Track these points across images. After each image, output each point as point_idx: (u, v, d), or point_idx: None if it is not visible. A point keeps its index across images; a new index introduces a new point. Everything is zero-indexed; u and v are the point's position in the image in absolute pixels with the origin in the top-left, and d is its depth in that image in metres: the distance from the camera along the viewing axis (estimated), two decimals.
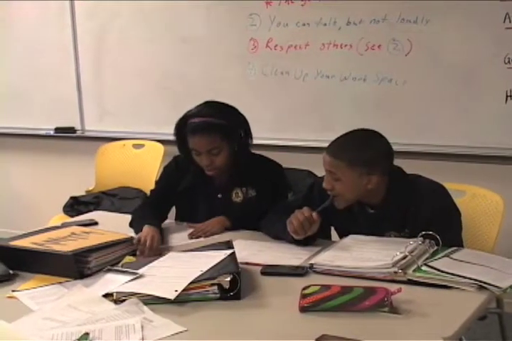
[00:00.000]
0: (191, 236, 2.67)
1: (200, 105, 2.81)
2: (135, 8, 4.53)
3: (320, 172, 2.95)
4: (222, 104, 2.83)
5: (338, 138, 2.41)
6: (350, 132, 2.41)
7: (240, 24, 4.14)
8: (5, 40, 5.15)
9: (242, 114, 2.85)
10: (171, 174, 2.95)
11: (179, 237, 2.67)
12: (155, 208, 2.84)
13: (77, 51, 4.81)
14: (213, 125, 2.68)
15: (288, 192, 2.92)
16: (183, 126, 2.77)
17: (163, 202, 2.91)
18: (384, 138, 2.40)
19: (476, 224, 2.71)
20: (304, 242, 2.41)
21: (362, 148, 2.35)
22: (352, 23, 3.81)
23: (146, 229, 2.53)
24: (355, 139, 2.39)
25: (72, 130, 4.95)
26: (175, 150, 3.12)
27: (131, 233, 2.49)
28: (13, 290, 2.06)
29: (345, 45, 3.85)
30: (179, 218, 2.94)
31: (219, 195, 2.86)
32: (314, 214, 2.33)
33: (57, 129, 5.00)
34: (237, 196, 2.84)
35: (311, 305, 1.81)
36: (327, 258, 2.18)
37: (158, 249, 2.42)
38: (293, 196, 3.00)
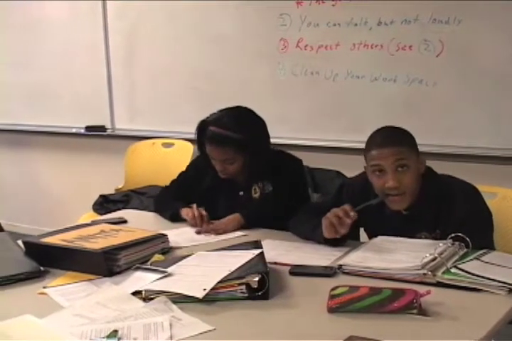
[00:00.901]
0: (201, 231, 2.71)
1: (223, 111, 2.83)
2: (165, 8, 4.55)
3: (348, 172, 2.95)
4: (244, 113, 2.83)
5: (379, 134, 2.40)
6: (380, 128, 2.43)
7: (270, 24, 4.14)
8: (38, 39, 5.21)
9: (262, 124, 2.84)
10: (192, 171, 2.98)
11: (204, 236, 2.69)
12: (176, 199, 2.94)
13: (108, 50, 4.85)
14: (229, 138, 2.70)
15: (307, 189, 2.91)
16: (202, 130, 2.79)
17: (182, 194, 2.95)
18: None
19: (507, 227, 2.68)
20: (334, 243, 2.40)
21: (406, 132, 2.39)
22: (383, 24, 3.79)
23: (187, 209, 2.76)
24: (395, 129, 2.41)
25: (102, 128, 4.99)
26: None
27: (160, 231, 2.50)
28: (44, 287, 2.07)
29: (376, 46, 3.83)
30: None
31: (240, 193, 2.88)
32: (352, 214, 2.31)
33: (88, 128, 5.05)
34: (255, 192, 2.85)
35: (339, 306, 1.80)
36: (356, 259, 2.18)
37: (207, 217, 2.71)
38: (321, 196, 3.00)
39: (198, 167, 2.97)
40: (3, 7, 5.32)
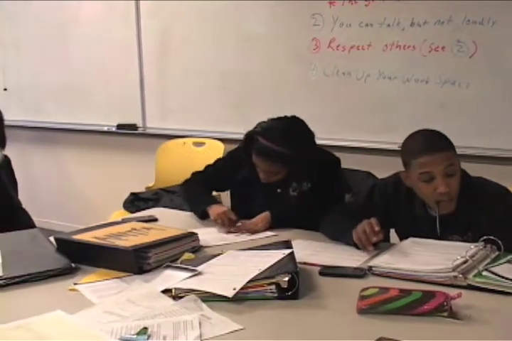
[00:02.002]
0: (231, 230, 2.72)
1: (273, 121, 2.78)
2: (197, 8, 4.57)
3: (378, 173, 2.94)
4: (294, 126, 2.78)
5: (423, 140, 2.36)
6: (419, 132, 2.41)
7: (302, 24, 4.14)
8: (72, 39, 5.26)
9: (311, 138, 2.81)
10: (231, 161, 2.98)
11: (233, 235, 2.70)
12: (205, 187, 3.00)
13: (141, 50, 4.89)
14: (277, 154, 2.67)
15: (344, 189, 2.90)
16: (251, 138, 2.77)
17: (213, 183, 2.98)
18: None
19: None
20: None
21: (445, 136, 2.35)
22: (416, 24, 3.77)
23: (216, 206, 2.78)
24: (435, 132, 2.38)
25: (133, 127, 5.02)
26: None
27: (190, 229, 2.51)
28: (75, 283, 2.09)
29: (409, 46, 3.82)
30: (234, 209, 2.93)
31: (278, 190, 2.87)
32: (378, 229, 2.30)
33: (120, 126, 5.08)
34: (294, 189, 2.84)
35: (369, 308, 1.80)
36: (386, 260, 2.17)
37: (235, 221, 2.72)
38: (352, 197, 2.99)
39: (238, 157, 2.95)
40: (38, 7, 5.38)
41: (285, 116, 2.83)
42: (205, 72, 4.62)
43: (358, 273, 2.12)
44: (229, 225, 2.73)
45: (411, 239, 2.38)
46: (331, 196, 2.78)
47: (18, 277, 2.10)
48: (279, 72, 4.30)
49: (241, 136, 4.28)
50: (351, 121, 4.08)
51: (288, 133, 2.71)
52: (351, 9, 3.96)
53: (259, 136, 2.71)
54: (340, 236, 2.46)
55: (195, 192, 2.99)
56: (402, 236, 2.52)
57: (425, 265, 2.07)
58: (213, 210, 2.81)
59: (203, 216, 2.87)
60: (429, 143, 2.33)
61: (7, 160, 4.24)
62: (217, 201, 2.93)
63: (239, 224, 2.76)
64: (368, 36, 3.92)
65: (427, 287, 1.94)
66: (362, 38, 3.95)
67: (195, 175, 3.09)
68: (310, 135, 2.80)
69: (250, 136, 2.77)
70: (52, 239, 2.41)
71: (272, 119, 2.81)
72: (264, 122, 2.81)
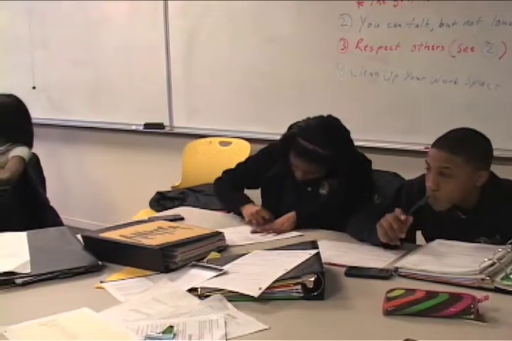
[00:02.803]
0: (257, 230, 2.72)
1: (312, 121, 2.77)
2: (225, 7, 4.57)
3: (405, 174, 2.93)
4: (333, 126, 2.76)
5: (448, 135, 2.37)
6: (456, 129, 2.39)
7: (330, 24, 4.13)
8: (100, 38, 5.29)
9: (348, 137, 2.80)
10: (263, 158, 2.97)
11: (259, 235, 2.70)
12: (237, 185, 2.99)
13: (168, 49, 4.90)
14: (316, 155, 2.65)
15: (373, 189, 2.89)
16: (289, 138, 2.75)
17: (246, 180, 2.97)
18: (485, 136, 2.39)
19: None
20: (390, 246, 2.38)
21: (476, 142, 2.34)
22: (445, 25, 3.74)
23: (249, 206, 2.80)
24: (467, 134, 2.37)
25: (161, 126, 5.04)
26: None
27: (216, 228, 2.52)
28: (101, 281, 2.10)
29: (437, 47, 3.79)
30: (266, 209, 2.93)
31: (309, 189, 2.86)
32: (409, 217, 2.30)
33: (147, 125, 5.11)
34: (324, 188, 2.83)
35: (395, 309, 1.79)
36: (412, 262, 2.16)
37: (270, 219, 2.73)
38: (379, 198, 2.97)
39: (270, 155, 2.94)
40: (68, 6, 5.42)
41: (321, 116, 2.81)
42: (232, 71, 4.63)
43: (384, 275, 2.11)
44: (264, 224, 2.75)
45: (438, 241, 2.36)
46: (361, 196, 2.77)
47: (45, 274, 2.12)
48: (306, 72, 4.30)
49: (267, 136, 4.34)
50: (378, 121, 4.06)
51: (327, 134, 2.69)
52: (380, 9, 3.94)
53: (298, 137, 2.69)
54: (367, 236, 2.46)
55: (227, 191, 3.00)
56: (429, 238, 2.50)
57: (452, 267, 2.06)
58: (247, 210, 2.83)
59: (237, 212, 2.92)
60: (444, 138, 2.35)
61: (35, 158, 4.28)
62: (249, 200, 2.92)
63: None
64: (396, 36, 3.90)
65: (454, 289, 1.93)
66: (390, 39, 3.93)
67: (227, 172, 3.09)
68: (347, 134, 2.79)
69: (289, 136, 2.75)
70: (79, 236, 2.42)
71: (309, 119, 2.79)
72: (300, 122, 2.79)
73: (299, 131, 2.72)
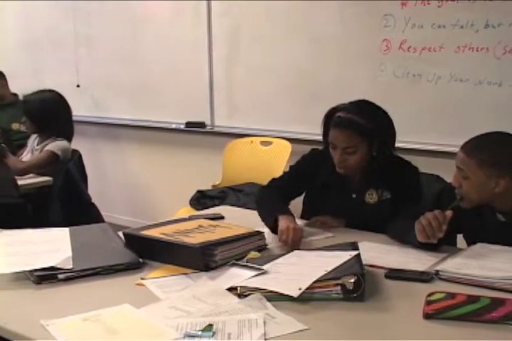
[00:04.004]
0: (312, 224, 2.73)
1: (354, 102, 2.78)
2: (269, 7, 4.58)
3: (448, 177, 2.89)
4: (376, 106, 2.77)
5: (475, 137, 2.37)
6: (489, 133, 2.38)
7: (373, 24, 4.10)
8: (143, 36, 5.34)
9: (390, 119, 2.79)
10: (307, 164, 2.93)
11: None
12: (283, 194, 2.85)
13: (211, 49, 4.92)
14: (356, 124, 2.64)
15: (421, 197, 2.85)
16: (329, 117, 2.75)
17: (293, 188, 2.90)
18: None
19: None
20: (430, 247, 2.36)
21: (496, 149, 2.31)
22: (490, 26, 3.69)
23: (285, 220, 2.52)
24: (492, 140, 2.35)
25: (202, 125, 5.06)
26: (302, 149, 3.14)
27: (256, 228, 2.52)
28: (142, 278, 2.12)
29: (482, 49, 3.74)
30: (307, 213, 2.92)
31: (353, 195, 2.82)
32: (448, 212, 2.28)
33: (188, 124, 5.13)
34: (371, 197, 2.79)
35: (435, 313, 1.78)
36: (454, 265, 2.14)
37: (300, 241, 2.45)
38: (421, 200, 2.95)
39: (314, 160, 2.89)
40: (112, 6, 5.48)
41: (365, 100, 2.81)
42: (274, 71, 4.63)
43: (425, 278, 2.10)
44: (291, 246, 2.43)
45: (480, 245, 2.34)
46: (411, 207, 2.71)
47: (87, 270, 2.15)
48: (348, 72, 4.28)
49: (308, 136, 4.34)
50: (420, 123, 4.03)
51: (368, 108, 2.74)
52: (424, 10, 3.91)
53: (337, 111, 2.71)
54: (406, 237, 2.44)
55: (269, 202, 2.81)
56: (470, 242, 2.48)
57: (494, 271, 2.04)
58: (283, 221, 2.55)
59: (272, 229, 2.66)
60: (469, 140, 2.37)
61: (78, 155, 4.35)
62: (288, 212, 2.67)
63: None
64: (440, 38, 3.86)
65: (496, 294, 1.91)
66: (434, 40, 3.89)
67: (273, 181, 2.99)
68: (389, 117, 2.79)
69: (329, 112, 2.76)
70: (120, 234, 2.44)
71: (351, 101, 2.78)
72: (343, 103, 2.79)
73: (339, 108, 2.73)
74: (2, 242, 2.32)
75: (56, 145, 4.17)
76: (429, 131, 4.00)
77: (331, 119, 2.74)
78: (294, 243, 2.40)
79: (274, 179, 2.99)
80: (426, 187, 2.95)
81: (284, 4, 4.47)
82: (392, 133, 2.78)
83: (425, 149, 3.99)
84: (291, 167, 3.00)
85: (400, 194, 2.75)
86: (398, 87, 4.07)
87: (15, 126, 5.07)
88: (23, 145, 4.55)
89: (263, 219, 2.70)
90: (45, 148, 4.16)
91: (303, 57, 4.48)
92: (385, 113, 2.77)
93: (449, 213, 2.29)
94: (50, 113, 4.24)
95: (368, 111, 2.71)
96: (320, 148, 2.91)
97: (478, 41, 3.74)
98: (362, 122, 2.64)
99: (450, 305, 1.78)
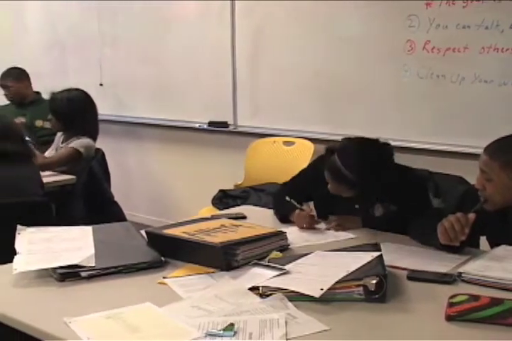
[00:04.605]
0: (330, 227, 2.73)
1: (352, 143, 2.73)
2: (292, 7, 4.57)
3: (472, 179, 2.87)
4: (371, 151, 2.67)
5: (498, 139, 2.36)
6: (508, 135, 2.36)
7: (397, 25, 4.09)
8: (167, 36, 5.35)
9: (385, 160, 2.69)
10: (315, 170, 2.93)
11: (316, 236, 2.68)
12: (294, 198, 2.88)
13: (234, 49, 4.93)
14: (343, 177, 2.61)
15: (428, 207, 2.82)
16: (330, 151, 2.72)
17: (299, 193, 2.92)
18: None
19: None
20: (452, 249, 2.35)
21: None
22: None
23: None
24: None
25: (225, 124, 5.07)
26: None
27: (278, 228, 2.52)
28: (164, 277, 2.13)
29: (507, 49, 3.72)
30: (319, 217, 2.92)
31: (356, 206, 2.82)
32: (471, 215, 2.27)
33: (211, 123, 5.14)
34: (378, 211, 2.79)
35: (458, 315, 1.77)
36: (477, 267, 2.12)
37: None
38: (442, 202, 2.94)
39: (317, 169, 2.92)
40: (137, 5, 5.50)
41: (361, 139, 2.76)
42: (297, 71, 4.63)
43: (447, 279, 2.09)
44: (309, 222, 2.73)
45: (503, 247, 2.32)
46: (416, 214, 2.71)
47: (109, 268, 2.16)
48: (372, 73, 4.26)
49: (331, 137, 4.33)
50: (444, 124, 4.00)
51: (360, 158, 2.63)
52: (448, 10, 3.89)
53: (336, 152, 2.67)
54: (428, 239, 2.43)
55: (281, 200, 2.94)
56: (493, 244, 2.46)
57: None
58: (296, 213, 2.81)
59: (282, 220, 2.86)
60: (492, 142, 2.36)
61: (101, 154, 4.37)
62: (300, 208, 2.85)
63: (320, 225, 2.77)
64: (465, 38, 3.84)
65: None
66: (458, 40, 3.87)
67: (284, 185, 3.08)
68: (384, 162, 2.68)
69: (330, 149, 2.73)
70: (143, 232, 2.45)
71: (356, 138, 2.77)
72: (346, 139, 2.77)
73: (337, 147, 2.69)
74: (26, 240, 2.34)
75: (79, 142, 4.19)
76: (453, 132, 3.97)
77: (329, 154, 2.70)
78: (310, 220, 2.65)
79: (284, 183, 3.10)
80: (449, 189, 2.94)
81: (308, 4, 4.47)
82: (385, 175, 2.67)
83: (448, 150, 3.96)
84: (299, 173, 3.03)
85: (406, 207, 2.71)
86: (422, 87, 4.05)
87: (38, 123, 5.11)
88: (46, 142, 4.58)
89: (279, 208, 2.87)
90: (70, 145, 4.19)
91: (326, 58, 4.47)
92: (381, 159, 2.68)
93: (471, 216, 2.27)
94: (77, 111, 4.26)
95: (360, 163, 2.62)
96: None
97: (503, 42, 3.71)
98: (349, 176, 2.60)
99: (473, 308, 1.77)
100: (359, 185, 2.62)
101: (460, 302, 1.81)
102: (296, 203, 2.80)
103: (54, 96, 4.38)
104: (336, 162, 2.63)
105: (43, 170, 4.00)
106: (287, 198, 2.81)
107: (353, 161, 2.63)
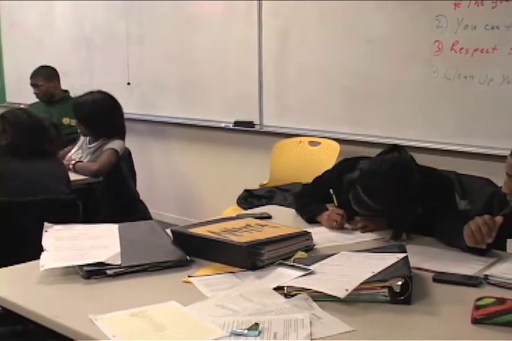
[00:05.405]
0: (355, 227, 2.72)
1: (376, 168, 2.55)
2: (319, 8, 4.57)
3: (499, 181, 2.85)
4: (398, 174, 2.52)
5: None
6: None
7: (425, 25, 4.07)
8: (193, 36, 5.37)
9: (415, 183, 2.55)
10: (340, 172, 2.93)
11: (340, 237, 2.68)
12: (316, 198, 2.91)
13: (261, 48, 4.93)
14: (371, 209, 2.53)
15: (455, 207, 2.80)
16: (351, 182, 2.59)
17: (321, 195, 2.91)
18: None
19: None
20: (478, 252, 2.33)
21: None
22: None
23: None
24: None
25: (250, 124, 5.07)
26: (351, 150, 3.14)
27: (303, 228, 2.52)
28: (189, 276, 2.13)
29: None
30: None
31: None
32: (498, 217, 2.25)
33: (237, 123, 5.14)
34: None
35: (484, 318, 1.75)
36: (503, 270, 2.11)
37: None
38: (469, 204, 2.91)
39: (342, 172, 2.90)
40: (164, 5, 5.52)
41: (391, 159, 2.62)
42: (323, 71, 4.62)
43: (474, 282, 2.07)
44: (339, 223, 2.73)
45: None
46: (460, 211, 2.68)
47: (135, 266, 2.17)
48: (399, 73, 4.24)
49: (357, 137, 4.32)
50: (472, 126, 3.98)
51: (387, 187, 2.49)
52: (477, 11, 3.86)
53: (358, 186, 2.54)
54: (455, 241, 2.41)
55: (305, 201, 2.95)
56: None
57: None
58: (324, 214, 2.80)
59: (309, 220, 2.85)
60: None
61: (128, 152, 4.39)
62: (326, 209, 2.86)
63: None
64: (494, 39, 3.81)
65: None
66: (487, 41, 3.84)
67: (305, 187, 3.09)
68: (414, 179, 2.55)
69: (351, 182, 2.59)
70: (168, 231, 2.46)
71: (376, 160, 2.63)
72: (365, 163, 2.62)
73: (360, 180, 2.55)
74: (53, 237, 2.36)
75: (117, 143, 4.20)
76: (481, 134, 3.94)
77: (351, 185, 2.58)
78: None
79: (306, 185, 3.11)
80: (476, 191, 2.92)
81: (335, 4, 4.46)
82: (411, 200, 2.55)
83: (475, 152, 3.93)
84: (323, 174, 3.02)
85: (431, 208, 2.65)
86: (449, 88, 4.03)
87: (66, 120, 5.14)
88: (73, 140, 4.60)
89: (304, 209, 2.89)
90: (107, 147, 4.18)
91: (353, 58, 4.46)
92: (411, 181, 2.54)
93: (499, 219, 2.25)
94: (102, 115, 4.24)
95: (387, 193, 2.48)
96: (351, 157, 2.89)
97: None
98: (377, 208, 2.50)
99: (499, 311, 1.76)
100: (393, 212, 2.57)
101: (486, 305, 1.80)
102: (335, 198, 2.80)
103: (77, 101, 4.37)
104: (363, 198, 2.51)
105: (98, 176, 4.03)
106: (331, 191, 2.80)
107: (382, 192, 2.49)
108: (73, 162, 4.18)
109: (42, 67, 5.46)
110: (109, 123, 4.27)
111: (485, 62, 3.87)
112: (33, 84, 5.39)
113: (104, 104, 4.31)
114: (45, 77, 5.35)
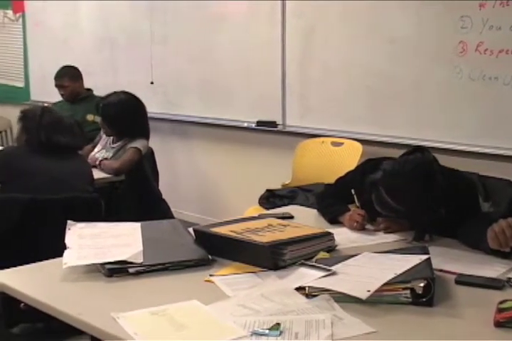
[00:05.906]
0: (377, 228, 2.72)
1: (399, 169, 2.52)
2: (343, 8, 4.55)
3: None
4: (421, 174, 2.50)
5: None
6: None
7: (449, 26, 4.04)
8: (217, 35, 5.38)
9: (438, 184, 2.51)
10: (362, 172, 2.92)
11: (362, 238, 2.67)
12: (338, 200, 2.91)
13: (284, 48, 4.92)
14: (398, 212, 2.51)
15: (478, 209, 2.77)
16: (373, 183, 2.57)
17: (344, 196, 2.90)
18: None
19: None
20: (502, 255, 2.31)
21: None
22: None
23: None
24: None
25: (273, 124, 5.07)
26: (373, 150, 3.12)
27: (325, 228, 2.51)
28: (211, 275, 2.14)
29: None
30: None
31: None
32: None
33: (259, 123, 5.14)
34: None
35: (507, 321, 1.74)
36: None
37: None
38: (492, 206, 2.89)
39: (365, 173, 2.89)
40: (187, 4, 5.53)
41: (414, 159, 2.59)
42: (347, 71, 4.60)
43: (497, 284, 2.06)
44: (361, 223, 2.72)
45: None
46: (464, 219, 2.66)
47: (157, 265, 2.18)
48: (422, 74, 4.22)
49: (379, 138, 4.30)
50: (495, 127, 3.94)
51: (410, 188, 2.47)
52: (502, 11, 3.82)
53: (381, 186, 2.52)
54: (478, 243, 2.40)
55: (327, 202, 2.96)
56: None
57: None
58: (346, 215, 2.80)
59: (331, 221, 2.84)
60: None
61: (151, 152, 4.41)
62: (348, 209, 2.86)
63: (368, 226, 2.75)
64: None
65: None
66: None
67: (328, 188, 3.09)
68: (437, 180, 2.52)
69: (374, 182, 2.58)
70: (191, 230, 2.47)
71: (399, 161, 2.62)
72: (388, 164, 2.60)
73: (383, 181, 2.53)
74: (75, 235, 2.37)
75: (140, 142, 4.23)
76: (504, 135, 3.91)
77: (373, 186, 2.57)
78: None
79: (329, 185, 3.12)
80: (499, 193, 2.89)
81: (359, 4, 4.44)
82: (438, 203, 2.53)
83: (499, 154, 3.90)
84: (345, 174, 3.01)
85: (455, 209, 2.64)
86: (473, 89, 4.00)
87: (90, 117, 5.17)
88: (94, 137, 4.64)
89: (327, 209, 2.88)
90: (131, 146, 4.21)
91: (377, 58, 4.44)
92: (435, 184, 2.51)
93: None
94: (127, 116, 4.28)
95: (411, 194, 2.46)
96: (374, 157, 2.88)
97: None
98: (403, 211, 2.48)
99: None
100: (417, 214, 2.55)
101: (509, 308, 1.78)
102: (356, 199, 2.79)
103: (104, 102, 4.41)
104: (386, 199, 2.49)
105: (119, 174, 4.06)
106: (352, 191, 2.79)
107: (405, 194, 2.47)
108: (99, 160, 4.22)
109: (65, 67, 5.50)
110: (133, 124, 4.30)
111: (510, 63, 3.84)
112: (58, 85, 5.43)
113: (129, 105, 4.34)
114: (70, 77, 5.39)
